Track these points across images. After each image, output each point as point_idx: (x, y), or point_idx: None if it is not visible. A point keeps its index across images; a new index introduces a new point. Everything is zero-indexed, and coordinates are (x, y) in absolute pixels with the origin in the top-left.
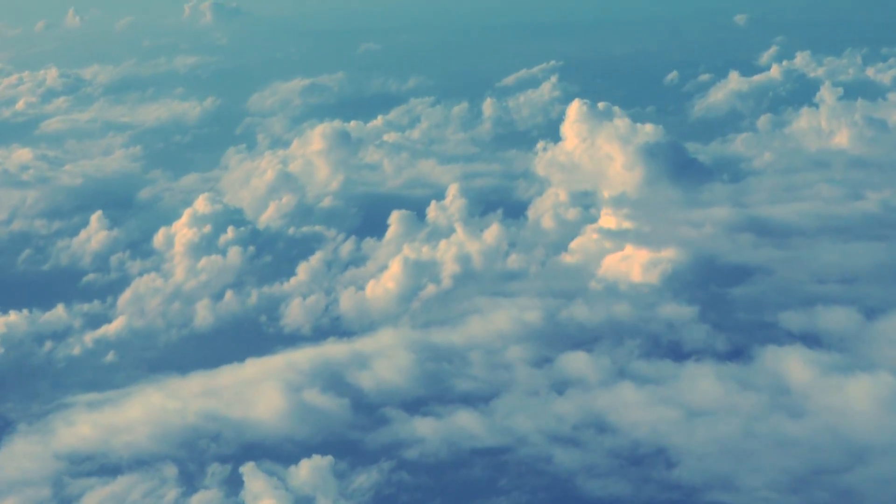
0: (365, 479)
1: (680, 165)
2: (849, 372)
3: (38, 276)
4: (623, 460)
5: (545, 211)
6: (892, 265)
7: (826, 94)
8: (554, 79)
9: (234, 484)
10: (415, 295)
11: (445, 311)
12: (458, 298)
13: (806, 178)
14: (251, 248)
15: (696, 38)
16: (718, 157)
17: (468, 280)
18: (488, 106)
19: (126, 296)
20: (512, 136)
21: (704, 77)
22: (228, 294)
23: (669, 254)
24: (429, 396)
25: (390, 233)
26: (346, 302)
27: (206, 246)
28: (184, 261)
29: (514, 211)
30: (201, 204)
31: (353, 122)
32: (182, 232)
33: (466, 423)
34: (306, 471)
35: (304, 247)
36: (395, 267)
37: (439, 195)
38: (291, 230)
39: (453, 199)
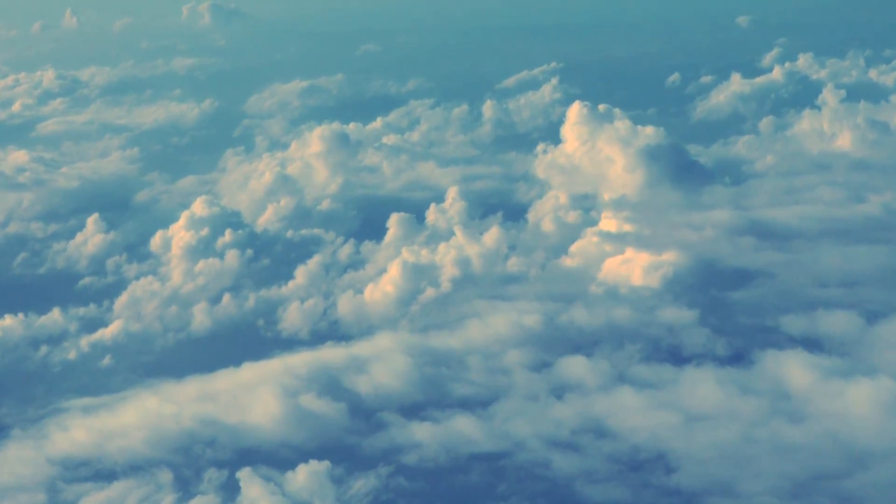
0: (362, 484)
1: (681, 168)
2: (850, 376)
3: (34, 279)
4: (622, 465)
5: (545, 214)
6: (894, 269)
7: (828, 97)
8: (554, 81)
9: (230, 489)
10: (414, 299)
11: (444, 315)
12: (458, 302)
13: (808, 180)
14: (249, 252)
15: (698, 40)
16: (720, 159)
17: (467, 283)
18: (488, 108)
19: (122, 299)
20: (512, 138)
21: (706, 79)
22: (226, 297)
23: (670, 257)
24: (427, 401)
25: (389, 236)
26: (345, 306)
27: (203, 249)
28: (181, 264)
29: (514, 214)
30: (199, 206)
31: (352, 125)
32: (179, 235)
33: (465, 428)
34: (303, 476)
35: (303, 250)
36: (394, 270)
37: (439, 198)
38: (290, 233)
39: (453, 201)
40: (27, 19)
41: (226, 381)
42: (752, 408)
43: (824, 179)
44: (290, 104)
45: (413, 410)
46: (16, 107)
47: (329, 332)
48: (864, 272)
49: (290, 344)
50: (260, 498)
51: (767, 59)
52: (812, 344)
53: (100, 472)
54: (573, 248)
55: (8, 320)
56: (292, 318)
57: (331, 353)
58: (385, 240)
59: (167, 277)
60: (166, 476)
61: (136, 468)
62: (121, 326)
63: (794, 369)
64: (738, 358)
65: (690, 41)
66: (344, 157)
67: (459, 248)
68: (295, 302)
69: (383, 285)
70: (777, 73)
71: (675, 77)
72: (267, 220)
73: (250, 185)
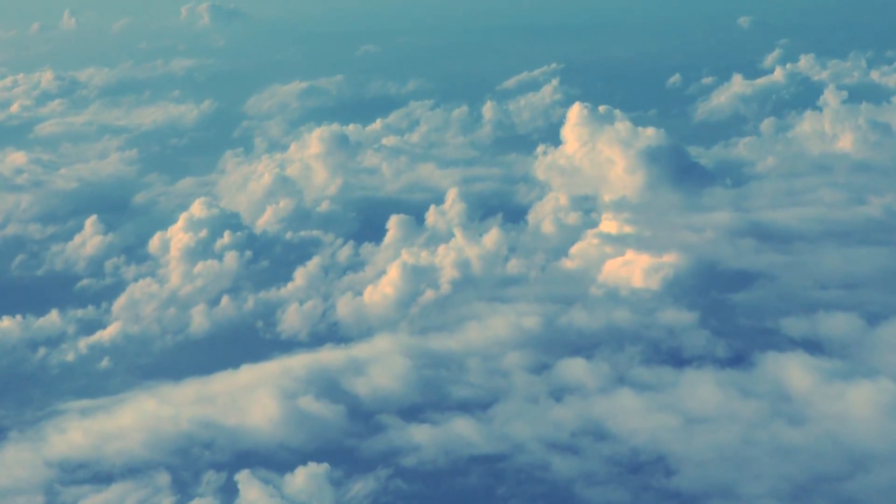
0: (361, 486)
1: (682, 169)
2: (850, 378)
3: (32, 281)
4: (622, 468)
5: (545, 215)
6: (895, 271)
7: (830, 98)
8: (555, 82)
9: (228, 492)
10: (413, 301)
11: (444, 317)
12: (457, 304)
13: (809, 182)
14: (248, 253)
15: (699, 41)
16: (721, 160)
17: (467, 285)
18: (488, 109)
19: (121, 301)
20: (512, 139)
21: (707, 80)
22: (225, 299)
23: (670, 259)
24: (425, 403)
25: (389, 237)
26: (344, 307)
27: (202, 251)
28: (179, 266)
29: (514, 215)
30: (197, 208)
31: (351, 126)
32: (178, 236)
33: (464, 431)
34: (302, 479)
35: (302, 252)
36: (394, 272)
37: (438, 199)
38: (289, 235)
39: (452, 203)
40: (25, 20)
41: (224, 383)
42: (752, 410)
43: (825, 181)
44: (289, 105)
45: (412, 412)
46: (14, 108)
47: (328, 334)
48: (865, 274)
49: (289, 346)
50: (258, 500)
51: (769, 60)
52: (812, 346)
53: (98, 475)
54: (573, 249)
55: (6, 322)
56: (291, 319)
57: (329, 355)
58: (384, 241)
59: (166, 279)
60: (164, 478)
61: (133, 470)
62: (119, 328)
63: (795, 371)
64: (738, 360)
65: (691, 42)
66: (343, 159)
67: (459, 249)
68: (294, 304)
69: (383, 287)
70: (778, 74)
71: (675, 78)
72: (266, 221)
73: (249, 186)
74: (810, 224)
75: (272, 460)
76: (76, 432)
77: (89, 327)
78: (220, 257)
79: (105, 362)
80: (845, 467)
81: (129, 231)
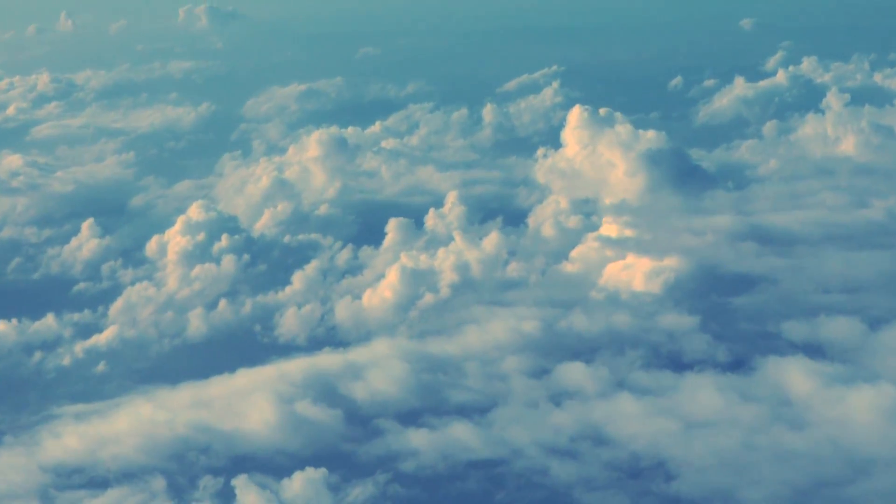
0: (359, 492)
1: (683, 172)
2: (852, 383)
3: (28, 284)
4: (621, 473)
5: (545, 219)
6: None
7: (833, 100)
8: (556, 84)
9: (225, 497)
10: (412, 304)
11: (443, 321)
12: (456, 308)
13: (810, 185)
14: (246, 257)
15: (701, 43)
16: (723, 164)
17: (467, 289)
18: (488, 112)
19: (118, 305)
20: (512, 142)
21: (709, 82)
22: (222, 303)
23: (671, 262)
24: (424, 408)
25: (388, 241)
26: (343, 311)
27: (199, 254)
28: (177, 269)
29: (514, 219)
30: (195, 211)
31: (350, 128)
32: (175, 240)
33: (462, 435)
34: (299, 484)
35: (300, 255)
36: (393, 276)
37: (438, 203)
38: (287, 238)
39: (452, 206)
40: (22, 22)
41: (220, 387)
42: (752, 414)
43: (827, 184)
44: (287, 108)
45: (410, 417)
46: (10, 110)
47: (326, 338)
48: (867, 278)
49: (287, 350)
50: None
51: (771, 62)
52: (814, 350)
53: (93, 480)
54: (574, 253)
55: (2, 326)
56: (289, 324)
57: (326, 360)
58: (383, 245)
59: (163, 283)
60: (160, 483)
61: (129, 475)
62: (115, 332)
63: (796, 376)
64: (738, 364)
65: (693, 44)
66: (342, 162)
67: (458, 253)
68: (292, 308)
69: (381, 291)
70: (781, 77)
71: (677, 80)
72: (264, 224)
73: (247, 189)
74: (812, 227)
75: (269, 465)
76: (72, 437)
77: (86, 331)
78: (217, 261)
79: (101, 366)
80: (846, 472)
81: (125, 234)
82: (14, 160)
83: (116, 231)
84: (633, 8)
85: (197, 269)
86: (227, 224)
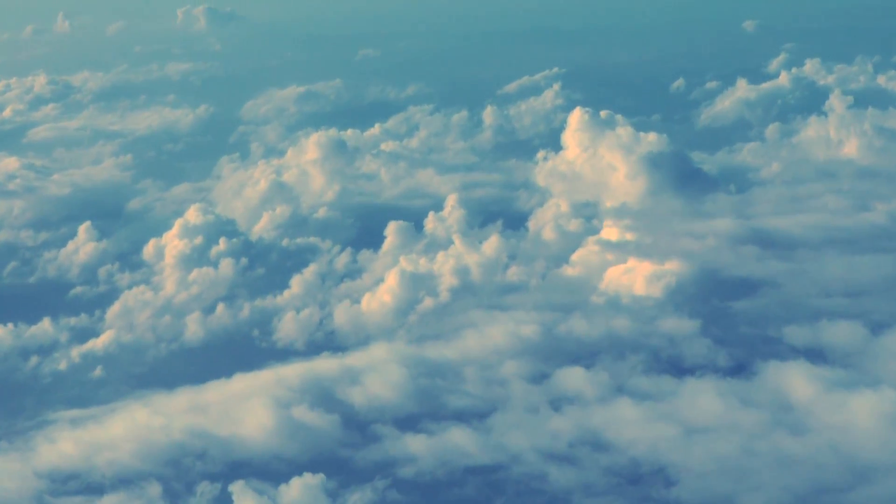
0: (357, 498)
1: (684, 176)
2: (853, 388)
3: (24, 288)
4: (621, 479)
5: (546, 222)
6: None
7: (836, 103)
8: (557, 86)
9: (223, 503)
10: (412, 308)
11: (442, 325)
12: (456, 312)
13: (813, 188)
14: (244, 260)
15: (704, 45)
16: (725, 166)
17: (466, 293)
18: (489, 114)
19: (114, 309)
20: (513, 145)
21: (711, 85)
22: (220, 307)
23: (672, 266)
24: (422, 413)
25: (387, 244)
26: (341, 316)
27: (197, 258)
28: (174, 273)
29: (515, 222)
30: (193, 214)
31: (349, 131)
32: (173, 243)
33: (461, 441)
34: (297, 489)
35: (299, 259)
36: (392, 280)
37: (437, 206)
38: (285, 241)
39: (452, 209)
40: (19, 23)
41: (218, 392)
42: (753, 420)
43: (830, 187)
44: (286, 110)
45: (408, 422)
46: (7, 112)
47: (325, 342)
48: (869, 282)
49: (285, 355)
50: None
51: (774, 64)
52: (815, 355)
53: (88, 486)
54: (574, 256)
55: None
56: (287, 328)
57: (324, 364)
58: (382, 248)
59: (160, 287)
60: (156, 489)
61: (125, 481)
62: (112, 337)
63: (797, 381)
64: (739, 369)
65: (695, 46)
66: (341, 165)
67: (458, 256)
68: (290, 312)
69: (380, 295)
70: (783, 79)
71: (679, 83)
72: (262, 228)
73: (245, 192)
74: (814, 231)
75: (267, 471)
76: (67, 442)
77: (82, 335)
78: (215, 264)
79: (98, 371)
80: (847, 478)
81: (123, 238)
82: (10, 163)
83: (113, 234)
84: (635, 10)
85: (194, 273)
86: (225, 227)
